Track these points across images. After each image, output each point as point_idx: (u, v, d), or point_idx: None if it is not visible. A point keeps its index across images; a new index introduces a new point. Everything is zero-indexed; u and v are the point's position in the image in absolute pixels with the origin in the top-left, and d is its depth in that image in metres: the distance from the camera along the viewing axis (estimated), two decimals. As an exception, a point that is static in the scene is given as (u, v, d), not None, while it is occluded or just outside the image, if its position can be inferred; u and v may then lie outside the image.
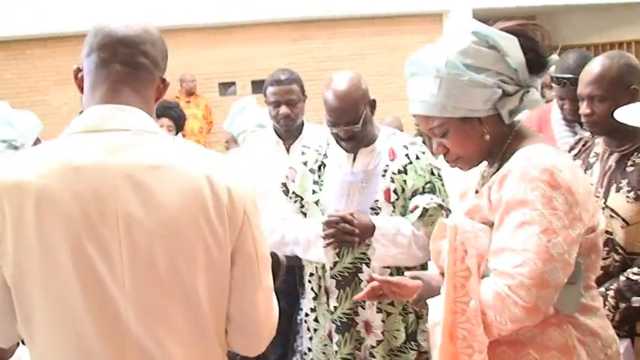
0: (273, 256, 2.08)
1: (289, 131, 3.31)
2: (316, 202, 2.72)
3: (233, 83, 9.50)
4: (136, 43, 1.39)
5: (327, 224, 2.56)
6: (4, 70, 8.65)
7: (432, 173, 2.62)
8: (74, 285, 1.28)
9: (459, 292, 1.51)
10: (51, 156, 1.31)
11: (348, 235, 2.53)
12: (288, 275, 3.07)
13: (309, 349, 2.82)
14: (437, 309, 1.59)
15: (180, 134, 4.39)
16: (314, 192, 2.74)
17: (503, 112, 1.64)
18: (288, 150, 3.32)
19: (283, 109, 3.24)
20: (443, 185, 2.64)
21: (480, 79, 1.60)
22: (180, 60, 9.03)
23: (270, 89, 3.26)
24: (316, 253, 2.67)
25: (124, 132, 1.34)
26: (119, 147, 1.32)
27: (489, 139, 1.67)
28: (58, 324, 1.30)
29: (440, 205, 2.56)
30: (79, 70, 1.43)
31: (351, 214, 2.54)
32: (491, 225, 1.60)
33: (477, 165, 1.75)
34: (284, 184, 2.85)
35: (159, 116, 4.19)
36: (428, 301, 1.65)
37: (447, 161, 1.75)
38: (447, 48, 1.64)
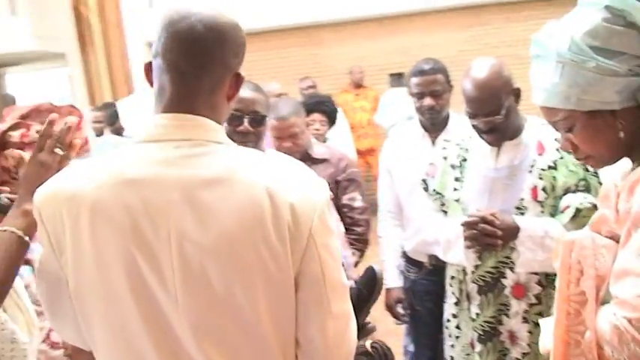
0: (370, 270, 1.96)
1: (434, 124, 3.12)
2: (457, 200, 2.53)
3: (403, 74, 9.36)
4: (200, 49, 1.29)
5: (467, 225, 2.37)
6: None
7: (587, 169, 2.33)
8: (129, 301, 1.24)
9: (573, 320, 1.27)
10: (107, 167, 1.28)
11: (489, 238, 2.33)
12: (437, 274, 2.95)
13: (452, 358, 2.65)
14: (548, 334, 1.35)
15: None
16: (455, 189, 2.55)
17: None
18: (433, 143, 3.14)
19: (427, 101, 3.05)
20: (600, 183, 2.34)
21: (611, 66, 1.33)
22: (351, 52, 9.12)
23: (414, 80, 3.08)
24: (456, 255, 2.49)
25: (185, 142, 1.27)
26: (177, 159, 1.25)
27: (627, 136, 1.38)
28: (115, 337, 1.28)
29: (594, 206, 2.26)
30: (149, 67, 1.35)
31: (493, 214, 2.33)
32: (618, 240, 1.33)
33: (613, 164, 1.48)
34: (424, 181, 2.68)
35: (310, 111, 4.15)
36: (540, 321, 1.42)
37: (577, 159, 1.50)
38: (574, 26, 1.39)
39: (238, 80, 1.36)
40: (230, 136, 2.41)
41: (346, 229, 3.14)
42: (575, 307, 1.27)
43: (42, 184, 1.59)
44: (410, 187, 3.03)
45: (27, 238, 1.58)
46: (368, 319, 2.38)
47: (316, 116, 4.16)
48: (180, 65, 1.29)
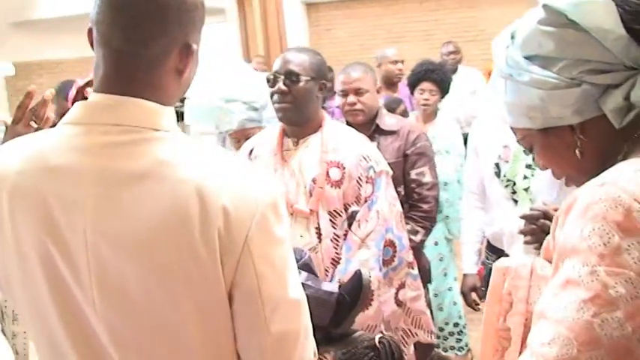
0: (356, 275, 1.81)
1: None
2: (526, 190, 2.33)
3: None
4: (136, 23, 1.14)
5: (527, 218, 2.16)
6: (338, 29, 9.11)
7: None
8: (46, 295, 1.15)
9: (500, 358, 1.08)
10: (31, 150, 1.17)
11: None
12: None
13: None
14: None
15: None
16: (525, 177, 2.35)
17: (608, 113, 1.09)
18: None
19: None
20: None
21: (547, 78, 1.11)
22: (508, 15, 8.62)
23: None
24: (517, 250, 2.29)
25: (114, 127, 1.13)
26: (101, 147, 1.12)
27: (594, 152, 1.14)
28: (38, 327, 1.21)
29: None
30: (92, 35, 1.20)
31: (556, 210, 2.10)
32: None
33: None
34: (496, 165, 2.49)
35: (419, 80, 3.98)
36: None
37: (557, 179, 1.29)
38: (514, 34, 1.17)
39: (189, 51, 1.19)
40: (271, 98, 2.40)
41: (412, 205, 3.00)
42: (503, 344, 1.09)
43: None
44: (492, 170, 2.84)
45: None
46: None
47: (425, 85, 3.97)
48: (112, 40, 1.15)
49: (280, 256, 1.16)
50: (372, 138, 3.15)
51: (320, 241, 2.36)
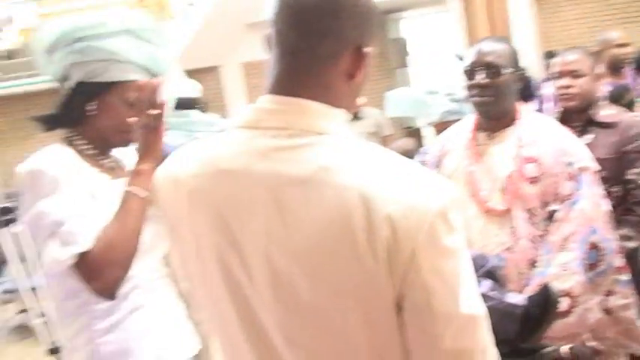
0: (544, 289, 1.63)
1: None
2: None
3: None
4: (310, 21, 1.14)
5: None
6: (567, 11, 8.59)
7: None
8: (224, 293, 1.20)
9: None
10: (205, 154, 1.22)
11: None
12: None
13: None
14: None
15: None
16: None
17: None
18: None
19: None
20: None
21: None
22: None
23: None
24: None
25: (282, 131, 1.14)
26: (270, 150, 1.13)
27: None
28: (216, 322, 1.28)
29: None
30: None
31: None
32: None
33: None
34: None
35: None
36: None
37: None
38: None
39: (361, 55, 1.18)
40: (468, 91, 2.29)
41: (627, 208, 2.71)
42: None
43: (149, 144, 1.76)
44: None
45: (143, 194, 1.72)
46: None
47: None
48: (288, 37, 1.16)
49: (452, 269, 1.08)
50: (584, 129, 2.92)
51: (516, 241, 2.21)
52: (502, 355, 1.17)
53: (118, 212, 1.72)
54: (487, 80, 2.26)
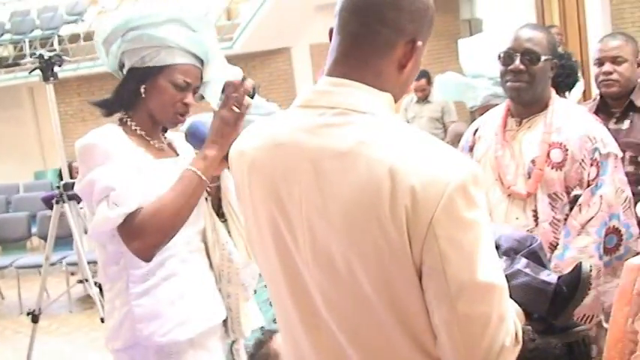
0: (577, 268, 1.68)
1: None
2: None
3: None
4: (371, 9, 1.26)
5: None
6: None
7: None
8: (274, 256, 1.34)
9: None
10: (267, 129, 1.37)
11: None
12: None
13: None
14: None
15: None
16: None
17: None
18: None
19: None
20: None
21: None
22: None
23: None
24: None
25: (329, 110, 1.26)
26: (317, 127, 1.26)
27: None
28: (268, 283, 1.42)
29: None
30: (332, 31, 1.34)
31: None
32: None
33: None
34: None
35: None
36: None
37: None
38: None
39: (414, 48, 1.28)
40: (503, 76, 2.34)
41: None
42: (630, 348, 1.01)
43: (223, 135, 1.88)
44: None
45: (204, 177, 1.88)
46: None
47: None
48: (349, 24, 1.28)
49: (469, 239, 1.17)
50: (624, 115, 2.94)
51: (537, 225, 2.29)
52: (538, 332, 1.24)
53: (175, 185, 1.89)
54: (523, 66, 2.32)
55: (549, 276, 2.02)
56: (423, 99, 7.66)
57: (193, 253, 2.05)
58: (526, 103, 2.39)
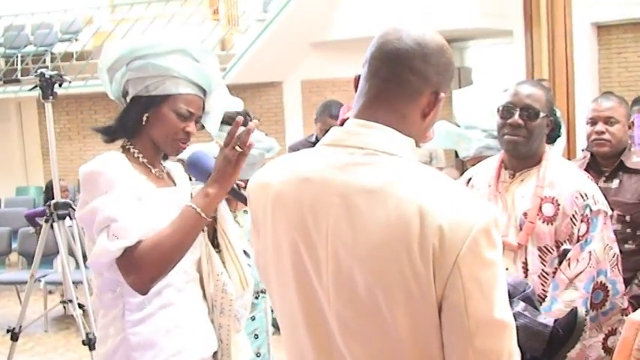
0: (572, 312, 1.74)
1: None
2: None
3: None
4: (402, 59, 1.34)
5: None
6: (629, 52, 8.54)
7: None
8: (292, 285, 1.38)
9: None
10: (293, 164, 1.42)
11: None
12: None
13: None
14: None
15: None
16: None
17: None
18: None
19: None
20: None
21: None
22: None
23: None
24: None
25: (358, 150, 1.34)
26: (347, 165, 1.33)
27: None
28: (282, 310, 1.45)
29: None
30: (358, 78, 1.43)
31: None
32: None
33: None
34: None
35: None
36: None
37: None
38: None
39: (437, 99, 1.38)
40: (500, 129, 2.40)
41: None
42: None
43: (225, 174, 1.93)
44: None
45: (203, 215, 1.91)
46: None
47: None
48: (379, 71, 1.37)
49: (489, 278, 1.25)
50: (614, 174, 3.02)
51: (526, 276, 2.33)
52: None
53: (174, 221, 1.91)
54: (522, 121, 2.38)
55: (546, 319, 2.08)
56: (412, 144, 7.72)
57: (189, 283, 2.06)
58: (521, 157, 2.45)
